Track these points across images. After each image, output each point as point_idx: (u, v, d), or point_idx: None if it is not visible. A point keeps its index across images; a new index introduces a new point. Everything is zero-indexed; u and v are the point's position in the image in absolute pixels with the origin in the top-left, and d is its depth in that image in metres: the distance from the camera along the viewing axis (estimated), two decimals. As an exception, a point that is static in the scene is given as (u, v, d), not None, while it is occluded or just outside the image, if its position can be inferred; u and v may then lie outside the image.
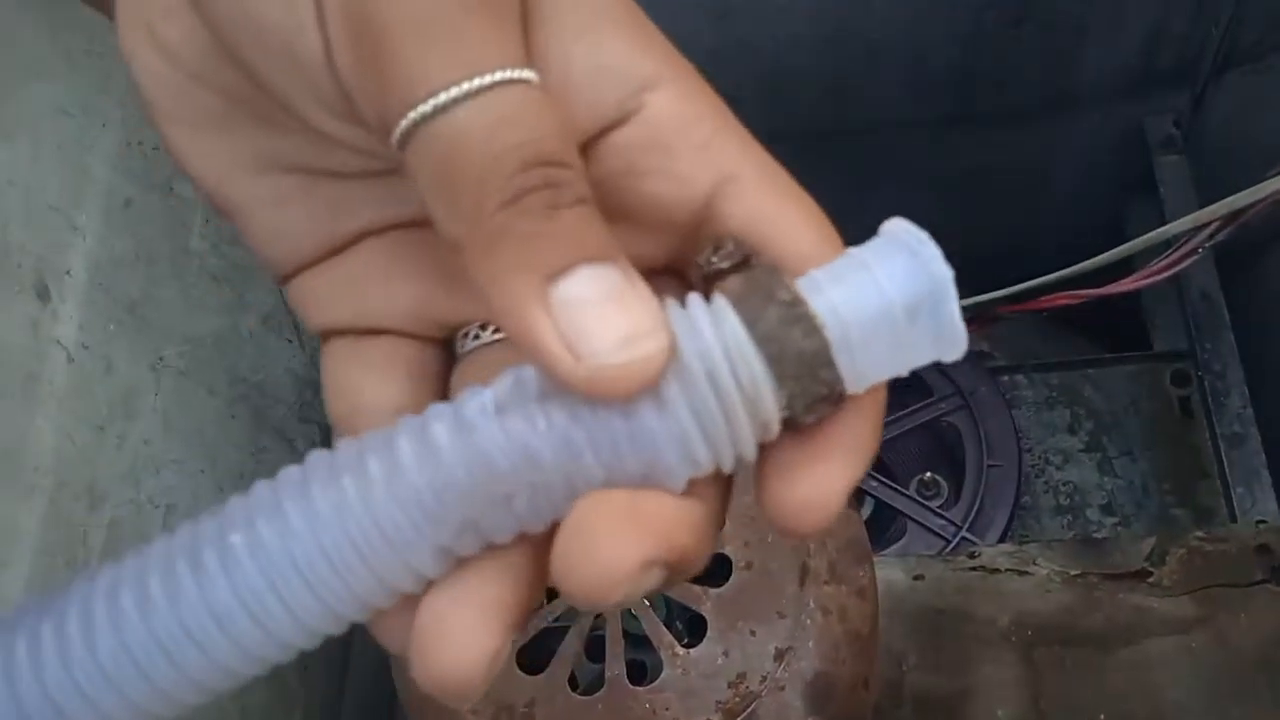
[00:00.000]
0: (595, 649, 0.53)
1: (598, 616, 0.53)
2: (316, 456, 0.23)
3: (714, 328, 0.21)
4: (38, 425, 0.54)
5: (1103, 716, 0.68)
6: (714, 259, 0.22)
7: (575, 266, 0.21)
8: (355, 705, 0.75)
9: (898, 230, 0.22)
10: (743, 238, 0.23)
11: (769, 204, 0.23)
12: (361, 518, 0.21)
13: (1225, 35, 0.86)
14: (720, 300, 0.22)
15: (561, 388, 0.21)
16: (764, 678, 0.49)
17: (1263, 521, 0.79)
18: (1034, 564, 0.74)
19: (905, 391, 0.90)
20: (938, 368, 0.89)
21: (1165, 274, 0.80)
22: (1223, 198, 0.75)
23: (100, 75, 0.60)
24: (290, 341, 0.77)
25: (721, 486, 0.23)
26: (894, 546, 0.85)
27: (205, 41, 0.24)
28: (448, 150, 0.21)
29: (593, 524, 0.21)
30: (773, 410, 0.21)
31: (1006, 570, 0.74)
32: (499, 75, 0.21)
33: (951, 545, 0.85)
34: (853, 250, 0.22)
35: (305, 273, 0.27)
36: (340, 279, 0.27)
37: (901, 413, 0.90)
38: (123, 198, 0.61)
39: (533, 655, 0.53)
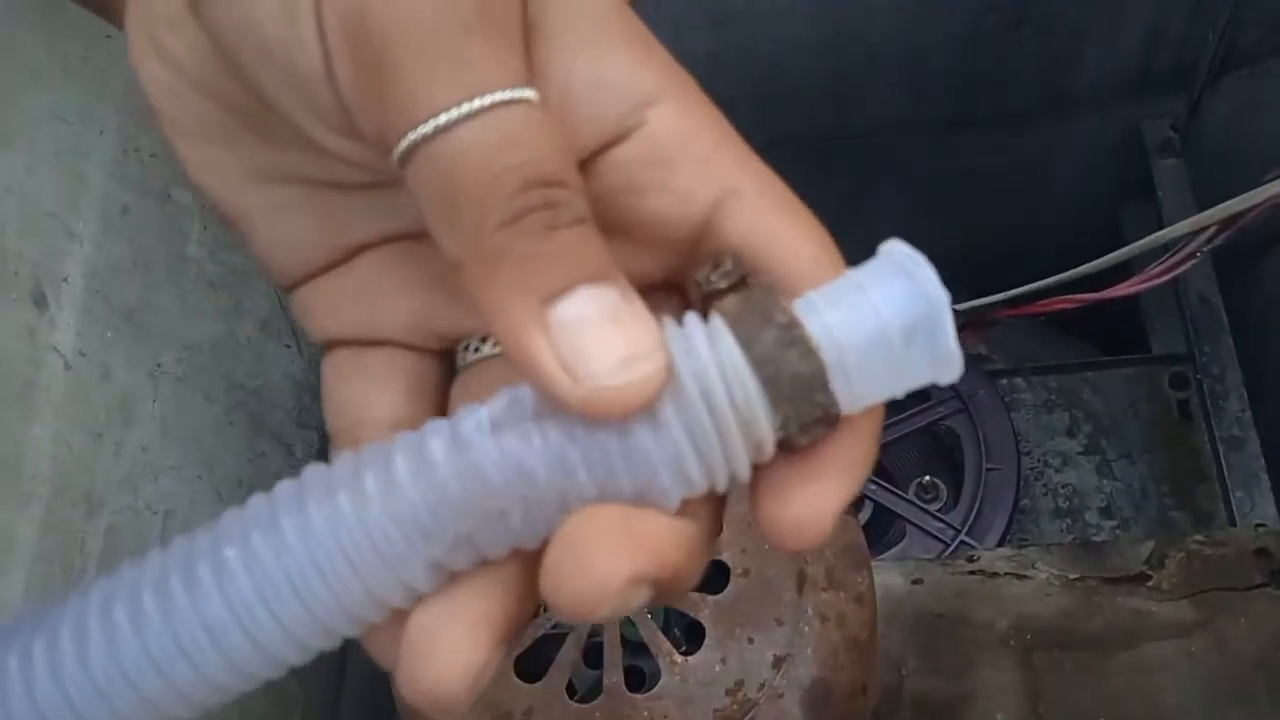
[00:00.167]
0: (593, 656, 0.53)
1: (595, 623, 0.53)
2: (312, 471, 0.23)
3: (710, 348, 0.21)
4: (35, 433, 0.54)
5: (1102, 720, 0.68)
6: (712, 277, 0.22)
7: (574, 287, 0.21)
8: (353, 709, 0.75)
9: (895, 252, 0.22)
10: (742, 254, 0.23)
11: (769, 220, 0.23)
12: (356, 533, 0.21)
13: (1222, 39, 0.86)
14: (717, 321, 0.22)
15: (558, 408, 0.21)
16: (762, 685, 0.49)
17: (1262, 525, 0.79)
18: (1033, 568, 0.74)
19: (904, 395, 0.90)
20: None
21: (1163, 278, 0.80)
22: (1221, 201, 0.75)
23: (97, 82, 0.59)
24: (288, 347, 0.77)
25: (715, 505, 0.23)
26: (892, 550, 0.85)
27: (209, 53, 0.24)
28: (448, 170, 0.21)
29: (583, 537, 0.21)
30: (768, 432, 0.21)
31: (1005, 574, 0.74)
32: (500, 95, 0.21)
33: (950, 549, 0.85)
34: (850, 272, 0.22)
35: (309, 283, 0.27)
36: (343, 290, 0.27)
37: (900, 416, 0.90)
38: (120, 204, 0.61)
39: (530, 662, 0.53)
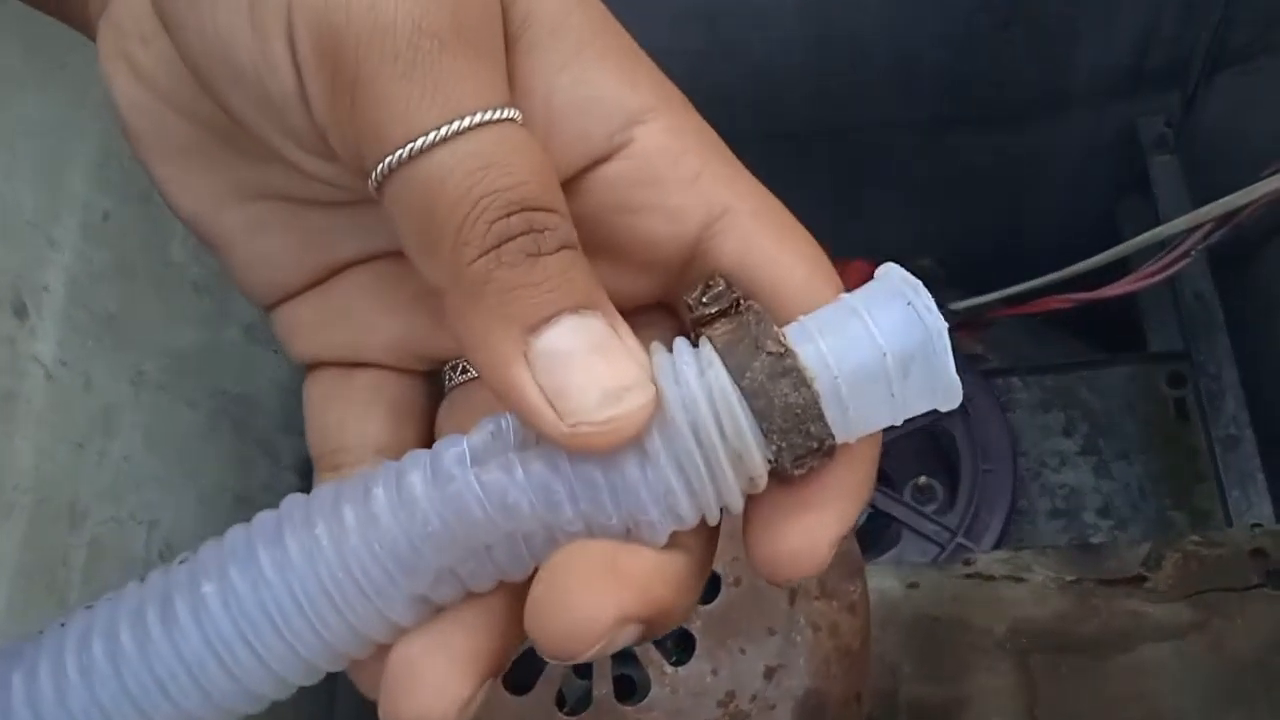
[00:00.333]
0: (582, 667, 0.52)
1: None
2: (291, 502, 0.22)
3: (700, 378, 0.20)
4: (16, 444, 0.53)
5: (1099, 724, 0.68)
6: (704, 300, 0.21)
7: (558, 316, 0.20)
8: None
9: (892, 277, 0.21)
10: (734, 276, 0.22)
11: (761, 239, 0.22)
12: (335, 568, 0.21)
13: (1216, 35, 0.85)
14: (707, 349, 0.21)
15: (543, 440, 0.20)
16: (754, 696, 0.48)
17: (1258, 525, 0.78)
18: (1029, 570, 0.73)
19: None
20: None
21: (1159, 276, 0.80)
22: (1216, 198, 0.75)
23: (76, 88, 0.59)
24: (275, 352, 0.77)
25: (707, 537, 0.23)
26: (889, 553, 0.84)
27: (182, 69, 0.23)
28: (426, 195, 0.20)
29: (568, 577, 0.20)
30: (759, 465, 0.21)
31: (1002, 577, 0.73)
32: (479, 117, 0.20)
33: (947, 551, 0.84)
34: (846, 296, 0.22)
35: (289, 303, 0.26)
36: (325, 310, 0.26)
37: (895, 417, 0.89)
38: (101, 211, 0.61)
39: (519, 674, 0.52)
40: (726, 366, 0.20)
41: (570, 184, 0.22)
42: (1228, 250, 0.83)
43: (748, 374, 0.20)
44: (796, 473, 0.21)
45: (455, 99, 0.20)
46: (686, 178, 0.22)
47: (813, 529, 0.21)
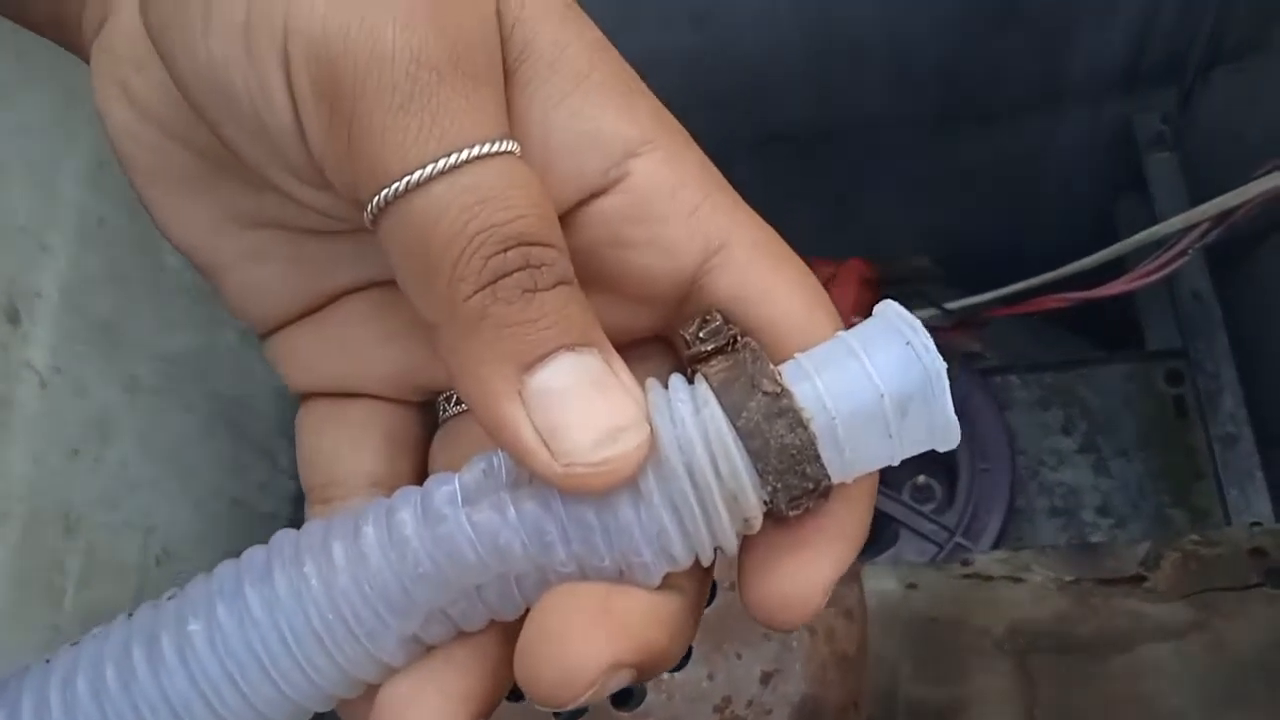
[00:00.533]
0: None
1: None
2: (281, 538, 0.22)
3: (695, 417, 0.20)
4: (9, 452, 0.53)
5: (1098, 725, 0.68)
6: (701, 335, 0.21)
7: (554, 354, 0.20)
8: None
9: (890, 315, 0.21)
10: (731, 310, 0.22)
11: (759, 274, 0.22)
12: (325, 608, 0.21)
13: (1213, 31, 0.85)
14: (703, 387, 0.21)
15: (536, 479, 0.20)
16: (750, 701, 0.48)
17: (1257, 524, 0.78)
18: (1028, 570, 0.73)
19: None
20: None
21: (1156, 275, 0.79)
22: (1214, 194, 0.75)
23: (68, 92, 0.58)
24: (271, 356, 0.76)
25: (701, 578, 0.22)
26: (887, 553, 0.84)
27: (178, 98, 0.23)
28: (422, 229, 0.20)
29: (559, 622, 0.20)
30: (755, 506, 0.20)
31: (1000, 577, 0.73)
32: (477, 150, 0.20)
33: (945, 550, 0.84)
34: (843, 334, 0.21)
35: (284, 330, 0.26)
36: (321, 338, 0.26)
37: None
38: (95, 216, 0.60)
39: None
40: (722, 406, 0.20)
41: (567, 217, 0.22)
42: (1225, 248, 0.82)
43: (744, 414, 0.20)
44: (792, 514, 0.21)
45: (453, 132, 0.20)
46: (684, 211, 0.22)
47: (807, 573, 0.21)
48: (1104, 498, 0.90)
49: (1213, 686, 0.68)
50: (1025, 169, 1.00)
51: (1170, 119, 0.93)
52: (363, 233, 0.24)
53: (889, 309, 0.21)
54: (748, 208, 0.23)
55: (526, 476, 0.21)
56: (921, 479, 0.88)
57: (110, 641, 0.21)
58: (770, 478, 0.20)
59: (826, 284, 0.89)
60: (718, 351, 0.21)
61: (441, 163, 0.20)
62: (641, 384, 0.21)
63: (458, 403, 0.25)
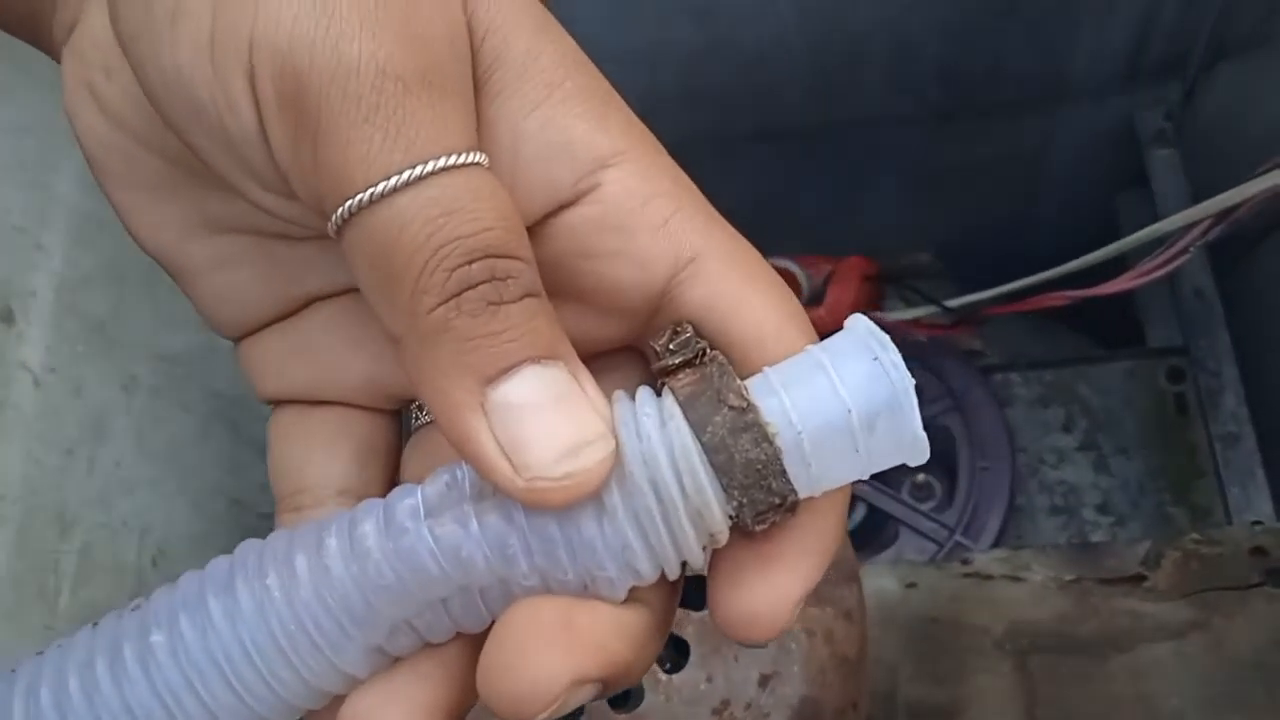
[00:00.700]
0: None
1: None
2: (245, 548, 0.22)
3: (660, 431, 0.20)
4: (3, 452, 0.53)
5: (1098, 726, 0.67)
6: (671, 347, 0.21)
7: (519, 367, 0.20)
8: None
9: (859, 330, 0.21)
10: (702, 323, 0.22)
11: (731, 288, 0.22)
12: (287, 619, 0.20)
13: (1215, 26, 0.84)
14: (669, 400, 0.20)
15: (498, 493, 0.20)
16: (749, 704, 0.48)
17: (1258, 523, 0.78)
18: (1028, 570, 0.73)
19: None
20: (928, 367, 0.87)
21: (1158, 273, 0.79)
22: (1216, 191, 0.74)
23: (62, 89, 0.58)
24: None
25: (668, 592, 0.22)
26: (886, 551, 0.84)
27: (147, 104, 0.23)
28: (386, 241, 0.20)
29: (521, 637, 0.20)
30: (720, 522, 0.20)
31: (1000, 577, 0.73)
32: (443, 161, 0.20)
33: (945, 549, 0.84)
34: (812, 348, 0.21)
35: (254, 337, 0.26)
36: (291, 346, 0.25)
37: (893, 415, 0.89)
38: (90, 214, 0.60)
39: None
40: (688, 420, 0.20)
41: (536, 228, 0.22)
42: (1227, 245, 0.82)
43: (709, 428, 0.20)
44: (758, 528, 0.21)
45: (419, 143, 0.19)
46: (655, 223, 0.22)
47: (775, 589, 0.21)
48: (1104, 496, 0.89)
49: (1213, 686, 0.68)
50: (1026, 166, 1.00)
51: (1172, 115, 0.93)
52: (332, 240, 0.24)
53: (858, 324, 0.21)
54: (721, 219, 0.23)
55: (490, 489, 0.20)
56: (921, 477, 0.87)
57: (74, 652, 0.21)
58: (735, 493, 0.20)
59: (826, 281, 0.89)
60: (686, 364, 0.21)
61: (407, 174, 0.19)
62: (609, 396, 0.21)
63: (429, 411, 0.25)
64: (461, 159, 0.20)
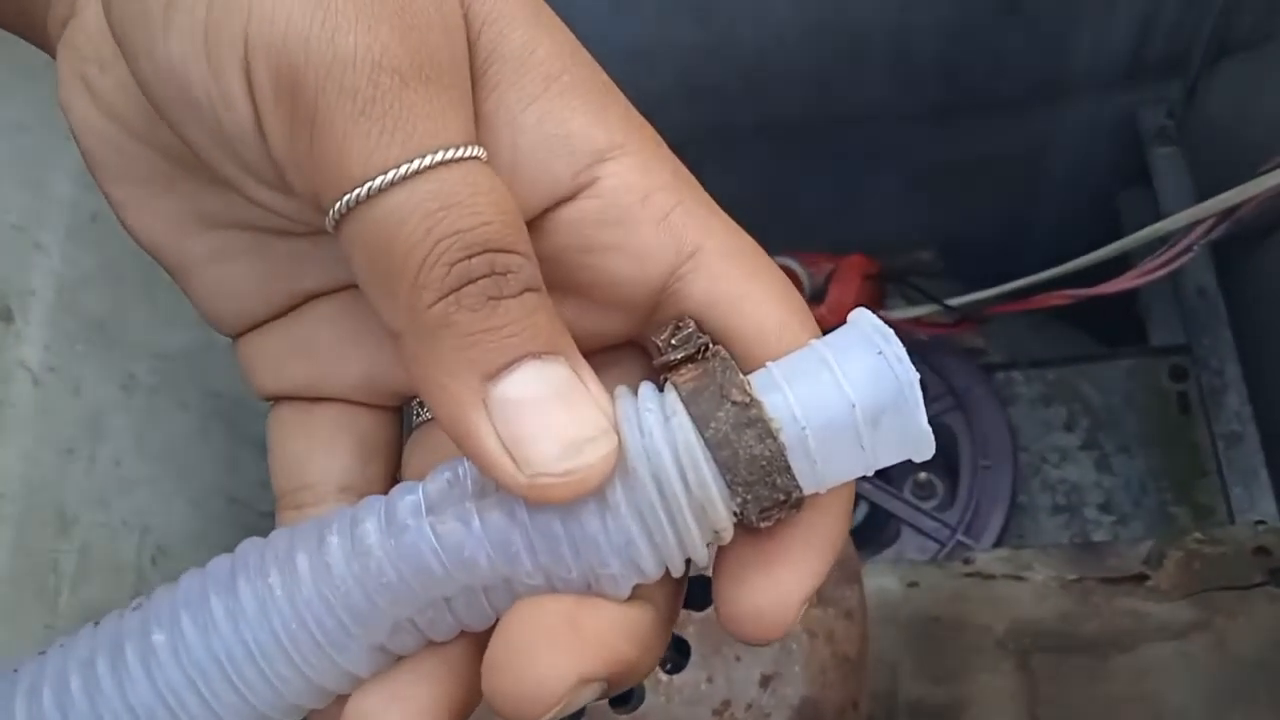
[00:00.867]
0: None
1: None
2: (247, 546, 0.21)
3: (663, 427, 0.20)
4: (2, 451, 0.52)
5: (1100, 725, 0.67)
6: (673, 342, 0.21)
7: (519, 362, 0.19)
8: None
9: (863, 324, 0.20)
10: (704, 317, 0.21)
11: (732, 283, 0.22)
12: (289, 618, 0.20)
13: (1218, 23, 0.84)
14: (672, 396, 0.20)
15: (501, 489, 0.20)
16: (749, 704, 0.48)
17: (1261, 523, 0.78)
18: (1030, 569, 0.72)
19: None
20: (930, 365, 0.87)
21: (1161, 272, 0.79)
22: (1219, 189, 0.74)
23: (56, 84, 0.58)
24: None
25: (672, 589, 0.22)
26: (888, 550, 0.84)
27: (141, 98, 0.22)
28: (384, 236, 0.19)
29: (525, 637, 0.20)
30: (724, 518, 0.20)
31: (1002, 576, 0.72)
32: (440, 155, 0.19)
33: (947, 548, 0.84)
34: (815, 343, 0.21)
35: (253, 333, 0.26)
36: (290, 342, 0.25)
37: (895, 413, 0.89)
38: (88, 213, 0.60)
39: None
40: (691, 415, 0.20)
41: (535, 223, 0.22)
42: (1230, 244, 0.82)
43: (712, 424, 0.20)
44: (763, 525, 0.20)
45: (416, 137, 0.19)
46: (655, 217, 0.22)
47: (780, 587, 0.21)
48: (1106, 495, 0.89)
49: (1215, 686, 0.68)
50: (1028, 164, 1.00)
51: (1174, 113, 0.93)
52: (330, 236, 0.24)
53: (862, 317, 0.21)
54: (722, 213, 0.22)
55: (492, 486, 0.20)
56: (923, 476, 0.87)
57: (76, 651, 0.21)
58: (740, 489, 0.20)
59: (828, 279, 0.89)
60: (689, 359, 0.21)
61: (404, 168, 0.19)
62: (611, 391, 0.21)
63: (429, 407, 0.25)
64: (459, 153, 0.20)
